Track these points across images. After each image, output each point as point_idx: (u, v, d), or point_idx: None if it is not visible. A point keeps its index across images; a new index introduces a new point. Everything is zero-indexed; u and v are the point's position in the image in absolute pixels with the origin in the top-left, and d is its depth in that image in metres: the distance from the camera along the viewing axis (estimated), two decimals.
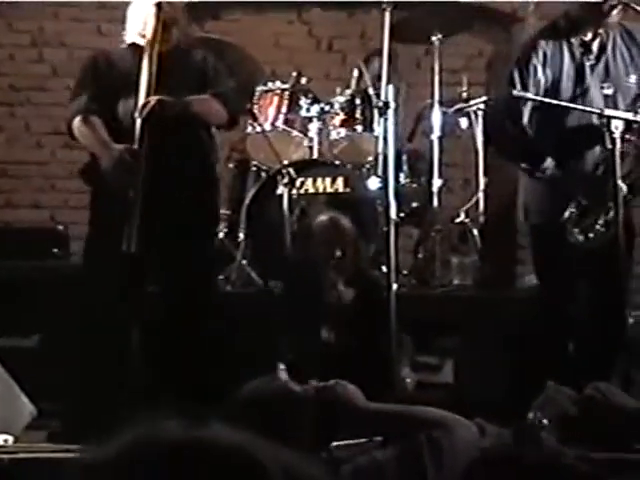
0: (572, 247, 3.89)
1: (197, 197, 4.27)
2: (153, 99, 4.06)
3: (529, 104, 3.94)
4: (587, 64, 3.99)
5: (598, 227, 3.84)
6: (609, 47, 4.02)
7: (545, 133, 3.96)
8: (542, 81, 3.96)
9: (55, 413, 4.23)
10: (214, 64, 4.38)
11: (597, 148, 3.94)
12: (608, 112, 3.76)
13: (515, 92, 3.84)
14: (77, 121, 4.23)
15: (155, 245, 4.11)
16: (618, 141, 3.70)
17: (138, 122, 4.05)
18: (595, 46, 4.00)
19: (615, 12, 3.92)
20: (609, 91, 3.99)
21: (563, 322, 3.98)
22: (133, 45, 4.29)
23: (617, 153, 3.70)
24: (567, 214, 3.86)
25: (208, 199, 4.40)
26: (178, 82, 4.22)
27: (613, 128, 3.71)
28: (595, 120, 3.88)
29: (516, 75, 3.97)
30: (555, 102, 3.90)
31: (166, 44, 4.22)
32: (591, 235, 3.84)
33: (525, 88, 3.89)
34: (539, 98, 3.87)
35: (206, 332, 4.30)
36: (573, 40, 3.99)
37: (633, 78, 4.05)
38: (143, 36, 4.22)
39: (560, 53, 3.98)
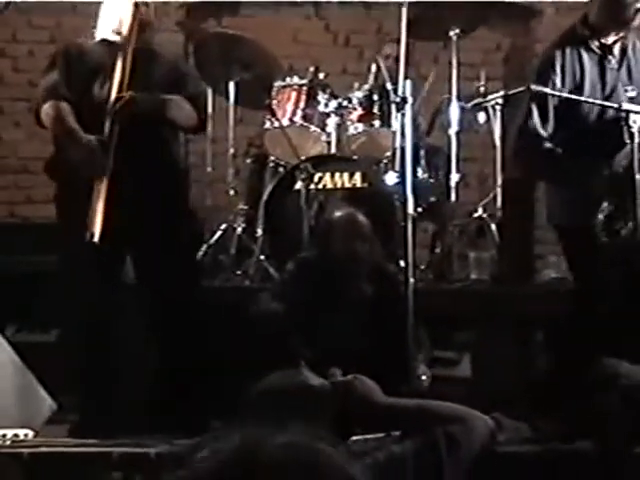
0: (605, 249, 3.86)
1: (163, 191, 4.23)
2: (126, 94, 4.08)
3: (551, 112, 3.90)
4: (609, 67, 3.97)
5: (628, 228, 3.81)
6: (629, 51, 4.00)
7: (568, 137, 3.93)
8: (563, 88, 3.93)
9: (74, 407, 4.25)
10: (186, 67, 4.44)
11: (623, 148, 3.91)
12: (626, 106, 3.75)
13: (533, 86, 3.82)
14: (47, 106, 4.20)
15: (121, 236, 4.08)
16: (637, 135, 3.69)
17: (109, 115, 4.05)
18: (617, 49, 3.98)
19: (638, 16, 3.91)
20: (633, 93, 3.97)
21: (594, 319, 3.95)
22: (104, 41, 4.30)
23: (636, 147, 3.69)
24: (597, 218, 3.83)
25: (174, 194, 4.36)
26: (150, 81, 4.24)
27: (631, 122, 3.70)
28: (620, 121, 3.87)
29: (535, 82, 3.94)
30: (580, 99, 3.87)
31: (140, 44, 4.23)
32: (621, 235, 3.82)
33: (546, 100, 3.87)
34: (565, 95, 3.84)
35: (190, 322, 4.26)
36: (593, 44, 3.96)
37: None
38: (118, 33, 4.24)
39: (579, 59, 3.95)
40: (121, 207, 3.98)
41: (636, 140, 3.70)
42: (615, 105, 3.82)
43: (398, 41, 4.35)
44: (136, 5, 4.22)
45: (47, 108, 4.20)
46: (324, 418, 2.36)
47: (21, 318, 4.96)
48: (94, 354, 4.18)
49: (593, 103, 3.91)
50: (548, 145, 3.91)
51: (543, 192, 4.29)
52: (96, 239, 3.90)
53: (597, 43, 3.96)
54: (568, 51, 3.95)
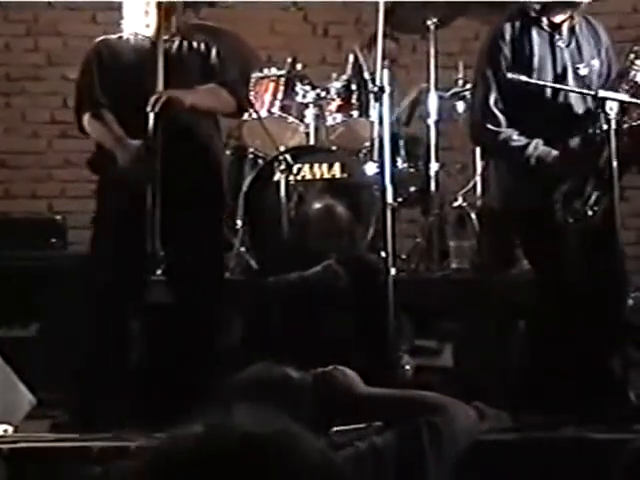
0: (563, 228, 3.88)
1: (207, 187, 4.27)
2: (164, 93, 4.05)
3: (507, 89, 3.92)
4: (558, 45, 4.01)
5: (589, 206, 3.83)
6: (577, 30, 4.04)
7: (526, 117, 3.94)
8: (513, 63, 3.95)
9: (55, 402, 4.23)
10: (217, 51, 4.36)
11: (583, 128, 3.93)
12: (602, 93, 3.77)
13: (509, 75, 3.83)
14: (88, 117, 4.21)
15: (170, 237, 4.11)
16: (613, 122, 3.70)
17: (151, 116, 4.03)
18: (565, 28, 4.02)
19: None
20: (585, 71, 4.01)
21: (559, 304, 3.97)
22: (134, 35, 4.28)
23: (612, 133, 3.70)
24: (555, 197, 3.85)
25: (217, 188, 4.39)
26: (183, 71, 4.22)
27: (608, 109, 3.71)
28: (578, 100, 3.90)
29: (488, 63, 3.96)
30: (550, 85, 3.89)
31: (168, 33, 4.22)
32: (581, 216, 3.83)
33: (498, 73, 3.89)
34: (533, 81, 3.86)
35: (216, 318, 4.31)
36: (542, 22, 4.00)
37: (597, 62, 4.08)
38: (147, 25, 4.22)
39: (529, 35, 3.98)
40: (166, 207, 4.00)
41: (612, 127, 3.71)
42: (592, 93, 3.83)
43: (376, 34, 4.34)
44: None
45: (89, 119, 4.21)
46: (305, 409, 2.35)
47: (0, 314, 4.93)
48: (77, 349, 4.17)
49: (571, 90, 3.92)
50: (505, 126, 3.93)
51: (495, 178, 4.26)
52: (156, 249, 3.98)
53: (546, 21, 4.00)
54: (517, 26, 3.99)
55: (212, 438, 1.21)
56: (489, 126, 3.94)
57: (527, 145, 3.87)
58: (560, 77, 3.98)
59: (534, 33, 3.99)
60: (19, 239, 5.38)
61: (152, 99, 4.03)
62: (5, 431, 3.79)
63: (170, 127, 4.07)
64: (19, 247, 5.28)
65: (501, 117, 3.92)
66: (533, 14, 4.00)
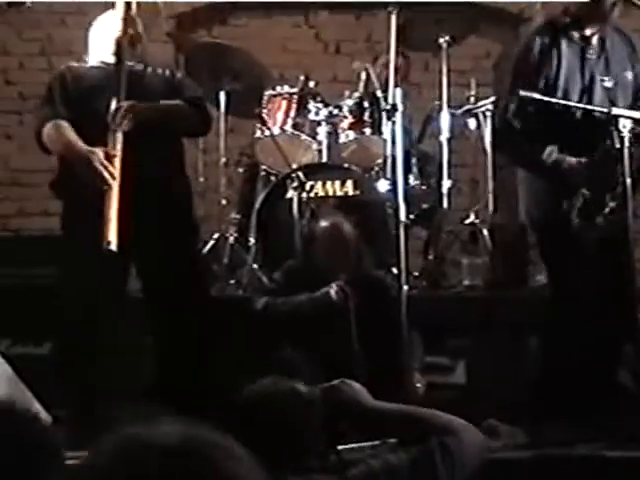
0: (578, 238, 3.87)
1: (171, 199, 4.23)
2: (125, 103, 4.07)
3: (515, 103, 3.94)
4: (588, 57, 4.01)
5: (603, 216, 3.82)
6: (607, 43, 4.04)
7: (546, 126, 3.95)
8: (543, 77, 3.96)
9: (68, 420, 4.24)
10: (180, 78, 4.40)
11: (600, 139, 3.93)
12: (615, 111, 3.77)
13: (522, 92, 3.84)
14: (47, 128, 4.18)
15: (133, 245, 4.05)
16: (627, 139, 3.70)
17: (111, 126, 4.03)
18: (595, 41, 4.03)
19: (616, 9, 3.96)
20: (609, 84, 4.01)
21: (575, 316, 3.95)
22: (98, 63, 4.32)
23: (626, 151, 3.70)
24: (569, 204, 3.85)
25: (182, 202, 4.35)
26: (146, 94, 4.22)
27: (621, 127, 3.71)
28: (597, 113, 3.90)
29: (516, 76, 3.98)
30: (562, 102, 3.89)
31: (133, 59, 4.26)
32: (597, 223, 3.83)
33: (526, 87, 3.90)
34: (546, 98, 3.86)
35: (195, 333, 4.24)
36: (573, 34, 4.01)
37: (630, 74, 4.07)
38: (110, 53, 4.25)
39: (558, 47, 3.99)
40: (128, 217, 3.96)
41: (626, 144, 3.71)
42: (605, 110, 3.83)
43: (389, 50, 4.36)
44: (125, 22, 4.21)
45: (47, 129, 4.18)
46: (314, 424, 2.36)
47: (15, 331, 4.94)
48: (92, 366, 4.17)
49: (584, 108, 3.92)
50: (525, 139, 3.95)
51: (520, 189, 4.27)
52: (113, 247, 3.89)
53: (577, 34, 4.01)
54: (547, 39, 3.99)
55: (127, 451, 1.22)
56: (510, 136, 3.97)
57: (543, 151, 3.89)
58: (587, 89, 3.99)
59: (564, 45, 3.99)
60: (33, 257, 5.40)
61: (112, 108, 4.05)
62: None
63: (132, 138, 4.05)
64: (33, 264, 5.30)
65: (521, 129, 3.94)
66: (564, 27, 4.01)
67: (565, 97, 3.95)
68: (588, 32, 4.02)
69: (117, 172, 3.99)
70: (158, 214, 4.13)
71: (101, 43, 4.33)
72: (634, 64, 4.10)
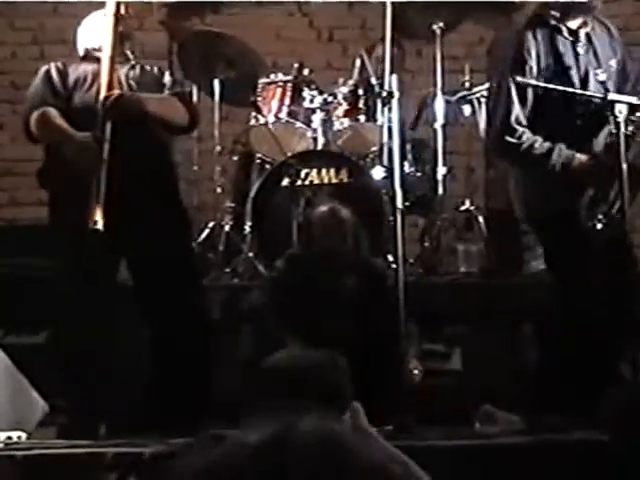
0: (587, 236, 3.85)
1: (156, 189, 4.20)
2: (115, 92, 4.06)
3: (529, 97, 3.91)
4: (579, 51, 3.99)
5: (613, 213, 3.81)
6: (593, 35, 4.03)
7: (548, 123, 3.93)
8: (540, 73, 3.93)
9: (65, 409, 4.24)
10: (170, 75, 4.39)
11: (604, 133, 3.92)
12: (611, 96, 3.76)
13: (519, 79, 3.83)
14: (34, 115, 4.16)
15: (116, 236, 4.03)
16: (622, 125, 3.70)
17: (100, 113, 4.02)
18: (582, 34, 4.01)
19: (598, 2, 3.95)
20: (603, 77, 4.00)
21: (577, 311, 3.95)
22: (86, 57, 4.31)
23: (622, 136, 3.70)
24: (581, 202, 3.83)
25: (168, 191, 4.30)
26: (135, 89, 4.23)
27: (617, 112, 3.70)
28: (598, 105, 3.88)
29: (511, 68, 3.94)
30: (561, 88, 3.87)
31: (121, 57, 4.24)
32: (606, 221, 3.81)
33: (525, 88, 3.88)
34: (542, 84, 3.85)
35: (186, 327, 4.20)
36: (563, 29, 3.99)
37: (614, 62, 4.07)
38: (99, 49, 4.22)
39: (552, 42, 3.97)
40: (115, 205, 3.95)
41: (622, 130, 3.71)
42: (600, 95, 3.82)
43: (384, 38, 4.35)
44: (116, 18, 4.19)
45: (35, 116, 4.16)
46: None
47: (8, 321, 4.94)
48: (88, 355, 4.16)
49: (581, 94, 3.91)
50: (529, 137, 3.90)
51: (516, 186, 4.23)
52: (100, 227, 3.88)
53: (565, 28, 3.99)
54: (539, 35, 3.96)
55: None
56: (511, 139, 3.90)
57: (550, 151, 3.85)
58: (583, 84, 3.97)
59: (558, 42, 3.97)
60: (26, 246, 5.39)
61: (101, 97, 4.04)
62: (19, 438, 3.80)
63: (120, 127, 4.04)
64: (26, 254, 5.29)
65: (521, 129, 3.89)
66: (553, 22, 3.98)
67: (560, 100, 3.93)
68: (574, 26, 4.00)
69: (105, 157, 3.97)
70: (145, 202, 4.11)
71: (90, 40, 4.31)
72: (616, 51, 4.09)
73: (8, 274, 5.14)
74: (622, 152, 3.71)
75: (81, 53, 4.35)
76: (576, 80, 3.96)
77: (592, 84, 3.98)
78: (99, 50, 4.23)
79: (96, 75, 4.17)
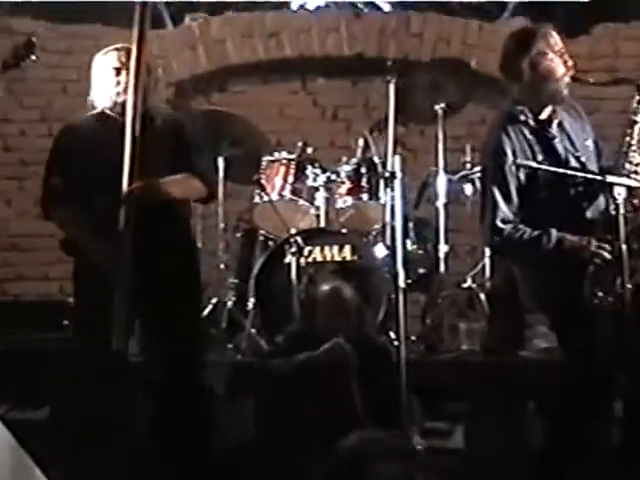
0: (594, 310, 3.85)
1: (183, 275, 4.22)
2: (137, 185, 4.00)
3: (512, 193, 3.93)
4: (554, 142, 4.02)
5: (616, 287, 3.81)
6: (565, 122, 4.06)
7: (538, 209, 3.95)
8: (518, 171, 3.96)
9: None
10: (190, 135, 4.31)
11: (592, 210, 3.96)
12: (610, 179, 3.80)
13: (518, 161, 3.87)
14: (55, 210, 4.19)
15: (143, 325, 4.11)
16: (621, 207, 3.74)
17: (123, 208, 3.99)
18: (554, 123, 4.04)
19: (566, 90, 3.98)
20: (584, 158, 4.03)
21: (591, 390, 3.92)
22: (101, 114, 4.21)
23: (621, 219, 3.73)
24: (584, 282, 3.84)
25: (193, 276, 4.31)
26: (151, 152, 4.07)
27: (616, 194, 3.75)
28: (590, 187, 3.92)
29: (492, 171, 3.98)
30: (561, 171, 3.90)
31: (143, 114, 4.09)
32: (612, 297, 3.82)
33: (501, 185, 3.92)
34: (544, 167, 3.88)
35: (195, 411, 4.19)
36: (530, 122, 4.01)
37: (590, 142, 4.10)
38: (117, 94, 4.13)
39: (525, 138, 3.98)
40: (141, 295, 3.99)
41: (621, 211, 3.75)
42: (599, 177, 3.86)
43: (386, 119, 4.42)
44: (137, 68, 4.04)
45: (60, 214, 4.19)
46: None
47: (13, 396, 4.94)
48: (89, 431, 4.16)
49: (583, 175, 3.94)
50: (518, 229, 3.92)
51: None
52: (122, 348, 3.96)
53: (533, 121, 4.01)
54: (512, 133, 3.96)
55: None
56: (500, 239, 3.94)
57: (539, 238, 3.88)
58: (565, 169, 3.99)
59: (530, 137, 3.97)
60: (31, 321, 5.41)
61: (125, 191, 3.99)
62: None
63: (144, 217, 4.01)
64: (32, 330, 5.31)
65: (509, 226, 3.91)
66: (522, 117, 4.01)
67: (551, 185, 3.96)
68: (544, 116, 4.03)
69: (128, 256, 3.97)
70: (165, 276, 4.11)
71: (106, 88, 4.18)
72: (588, 132, 4.12)
73: (13, 349, 5.15)
74: (622, 232, 3.75)
75: (98, 105, 4.22)
76: (558, 167, 3.98)
77: (575, 169, 4.00)
78: (112, 105, 4.16)
79: (112, 137, 4.05)
